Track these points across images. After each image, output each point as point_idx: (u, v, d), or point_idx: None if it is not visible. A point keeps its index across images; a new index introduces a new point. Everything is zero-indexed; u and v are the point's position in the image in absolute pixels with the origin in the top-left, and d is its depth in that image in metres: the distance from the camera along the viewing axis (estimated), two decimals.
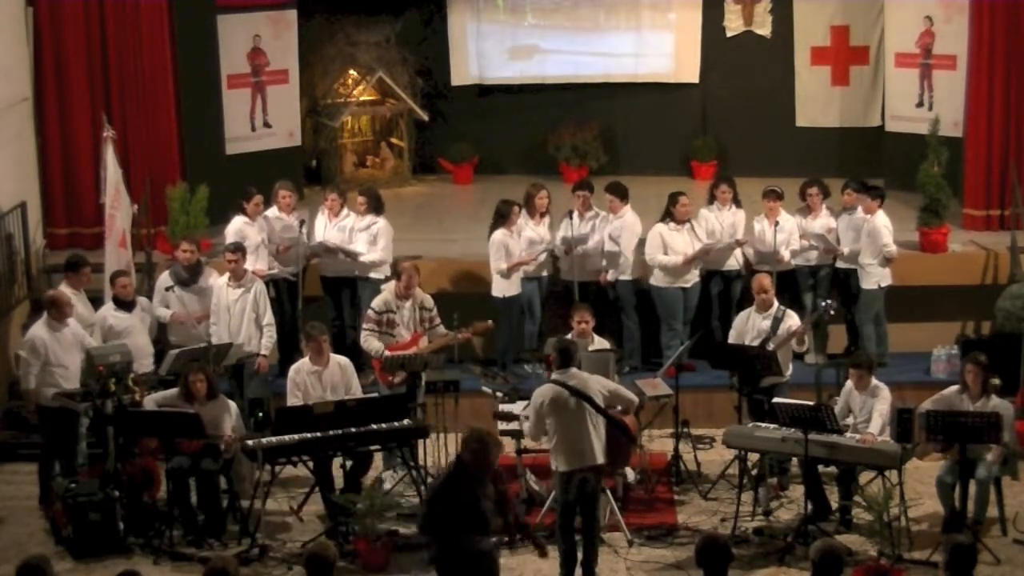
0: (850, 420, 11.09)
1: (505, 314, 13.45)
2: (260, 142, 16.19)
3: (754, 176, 15.42)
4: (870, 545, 10.59)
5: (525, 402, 11.35)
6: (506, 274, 13.37)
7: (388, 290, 12.34)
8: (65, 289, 12.25)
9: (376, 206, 13.69)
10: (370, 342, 12.11)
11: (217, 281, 12.69)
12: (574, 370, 10.16)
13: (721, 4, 17.33)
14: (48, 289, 13.89)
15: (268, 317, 12.63)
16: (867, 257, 13.32)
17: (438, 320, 12.24)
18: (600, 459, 10.04)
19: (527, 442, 11.27)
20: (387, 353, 11.97)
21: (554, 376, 10.15)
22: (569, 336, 11.75)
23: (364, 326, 12.22)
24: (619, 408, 10.51)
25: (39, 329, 11.73)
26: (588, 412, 9.99)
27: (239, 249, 12.63)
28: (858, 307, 13.52)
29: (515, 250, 13.41)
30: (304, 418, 10.93)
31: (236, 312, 12.51)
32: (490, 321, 12.58)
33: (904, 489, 10.61)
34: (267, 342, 12.62)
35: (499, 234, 13.37)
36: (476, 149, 17.75)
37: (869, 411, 11.02)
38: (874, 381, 11.19)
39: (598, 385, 10.20)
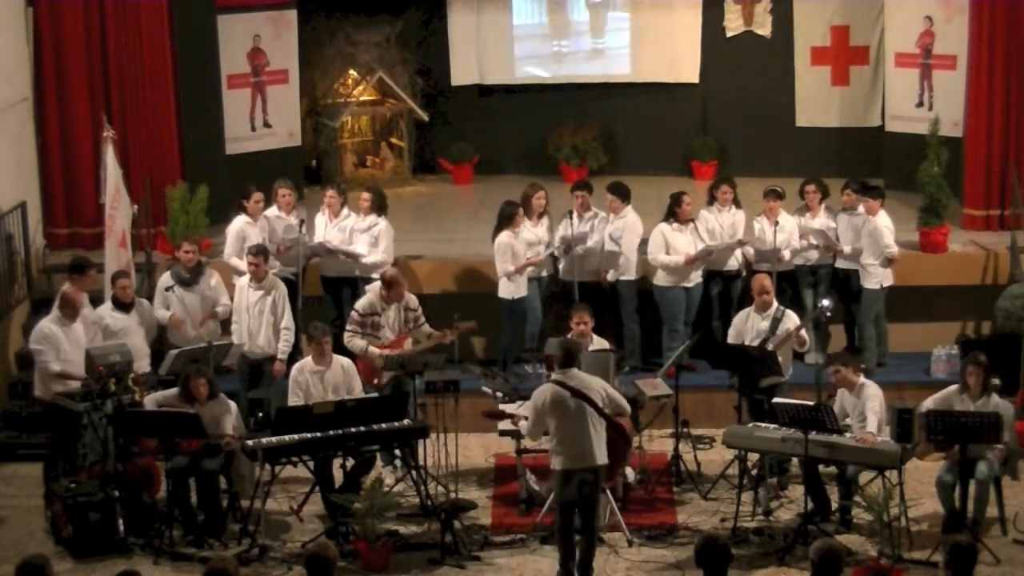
0: (850, 421, 11.09)
1: (510, 315, 13.44)
2: (260, 142, 16.20)
3: (754, 176, 15.43)
4: (870, 545, 10.59)
5: (521, 402, 11.39)
6: (512, 276, 13.35)
7: (373, 291, 12.32)
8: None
9: (380, 205, 13.68)
10: (354, 342, 12.10)
11: (239, 281, 12.69)
12: (575, 370, 10.15)
13: (721, 4, 17.33)
14: (47, 289, 13.96)
15: (287, 320, 12.60)
16: (868, 257, 13.31)
17: (423, 319, 12.24)
18: (601, 460, 10.03)
19: (527, 442, 11.27)
20: (372, 350, 11.95)
21: (554, 376, 10.15)
22: (568, 337, 11.75)
23: (348, 327, 12.21)
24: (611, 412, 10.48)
25: (49, 322, 11.74)
26: (589, 413, 9.99)
27: (261, 252, 12.61)
28: (859, 307, 13.51)
29: (520, 251, 13.40)
30: (304, 418, 10.93)
31: (255, 314, 12.52)
32: (473, 322, 12.56)
33: (904, 489, 10.60)
34: (283, 346, 12.59)
35: (504, 236, 13.35)
36: (476, 149, 17.75)
37: (862, 411, 11.02)
38: (861, 380, 11.17)
39: (598, 386, 10.19)
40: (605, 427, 10.10)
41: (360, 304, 12.25)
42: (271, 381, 12.62)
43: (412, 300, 12.27)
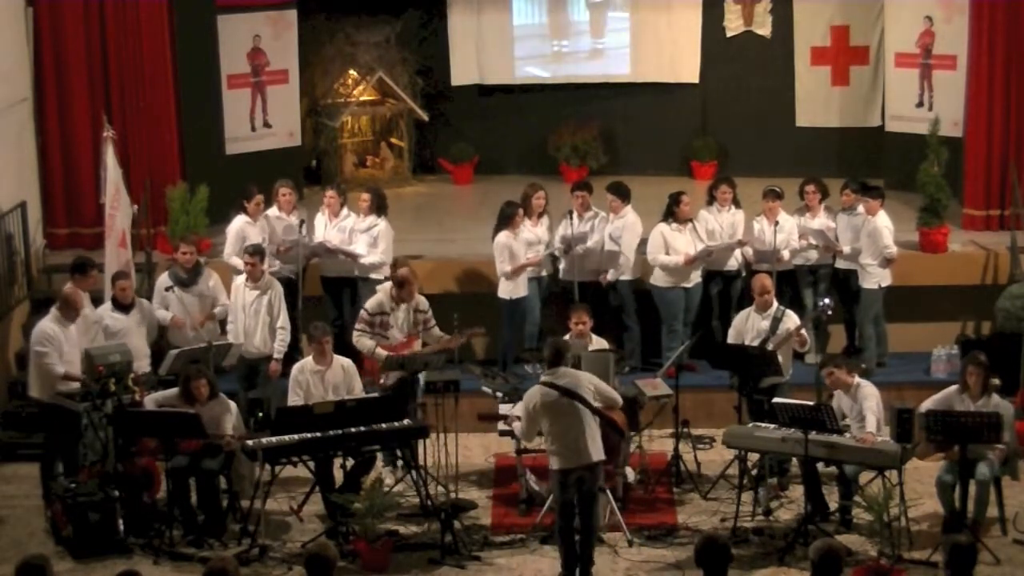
0: (848, 422, 11.08)
1: (510, 316, 13.45)
2: (260, 142, 16.19)
3: (754, 176, 15.43)
4: (870, 545, 10.59)
5: (512, 404, 11.39)
6: (510, 276, 13.35)
7: (383, 291, 12.30)
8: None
9: (379, 206, 13.67)
10: (362, 341, 12.08)
11: (236, 281, 12.69)
12: (563, 369, 10.15)
13: (721, 4, 17.32)
14: (47, 289, 13.96)
15: (282, 320, 12.58)
16: (867, 257, 13.31)
17: (433, 322, 12.22)
18: (597, 456, 10.04)
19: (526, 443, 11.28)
20: (380, 351, 11.95)
21: (543, 377, 10.15)
22: (567, 337, 11.74)
23: (356, 326, 12.19)
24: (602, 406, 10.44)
25: (48, 322, 11.71)
26: (581, 410, 9.99)
27: (257, 252, 12.61)
28: (858, 307, 13.52)
29: (518, 252, 13.40)
30: (304, 418, 10.93)
31: (251, 313, 12.52)
32: (482, 328, 12.57)
33: (904, 489, 10.60)
34: (279, 346, 12.57)
35: (503, 236, 13.36)
36: (476, 149, 17.75)
37: (859, 411, 11.02)
38: (856, 380, 11.17)
39: (588, 382, 10.19)
40: (599, 422, 10.11)
41: (370, 303, 12.24)
42: (267, 381, 12.62)
43: (422, 302, 12.25)
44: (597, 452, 10.05)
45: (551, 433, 10.05)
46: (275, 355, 12.57)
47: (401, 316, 12.13)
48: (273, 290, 12.62)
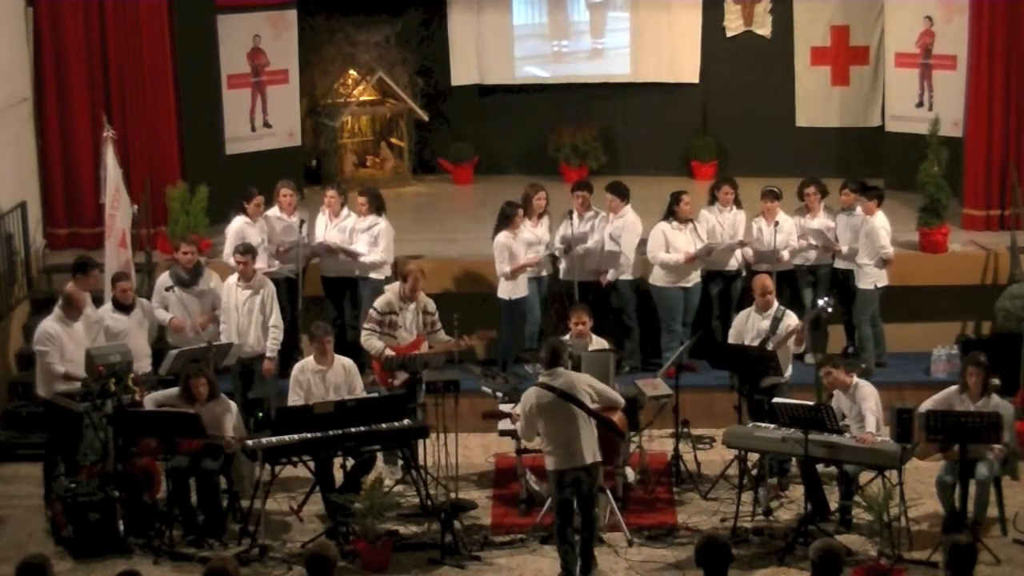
0: (847, 422, 11.08)
1: (509, 316, 13.45)
2: (260, 142, 16.20)
3: (754, 176, 15.42)
4: (870, 545, 10.60)
5: (513, 404, 11.38)
6: (510, 276, 13.36)
7: (391, 291, 12.32)
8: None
9: (377, 206, 13.68)
10: (371, 341, 12.10)
11: (227, 280, 12.69)
12: (560, 370, 10.15)
13: (721, 4, 17.32)
14: (47, 289, 13.97)
15: (275, 318, 12.57)
16: (864, 257, 13.32)
17: (439, 325, 12.22)
18: (591, 458, 10.05)
19: (527, 442, 11.27)
20: (388, 352, 11.97)
21: (540, 378, 10.16)
22: (567, 337, 11.75)
23: (365, 325, 12.21)
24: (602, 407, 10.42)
25: (51, 321, 11.72)
26: (576, 412, 10.00)
27: (248, 251, 12.61)
28: (855, 307, 13.52)
29: (518, 252, 13.40)
30: (304, 418, 10.93)
31: (244, 313, 12.51)
32: (494, 331, 12.58)
33: (904, 489, 10.60)
34: (272, 344, 12.56)
35: (502, 236, 13.36)
36: (476, 149, 17.75)
37: (859, 412, 11.02)
38: (854, 380, 11.18)
39: (585, 384, 10.20)
40: (595, 424, 10.11)
41: (378, 303, 12.25)
42: (261, 380, 12.62)
43: (430, 304, 12.26)
44: (592, 454, 10.06)
45: (546, 434, 10.08)
46: (268, 354, 12.56)
47: (409, 316, 12.14)
48: (265, 289, 12.61)
